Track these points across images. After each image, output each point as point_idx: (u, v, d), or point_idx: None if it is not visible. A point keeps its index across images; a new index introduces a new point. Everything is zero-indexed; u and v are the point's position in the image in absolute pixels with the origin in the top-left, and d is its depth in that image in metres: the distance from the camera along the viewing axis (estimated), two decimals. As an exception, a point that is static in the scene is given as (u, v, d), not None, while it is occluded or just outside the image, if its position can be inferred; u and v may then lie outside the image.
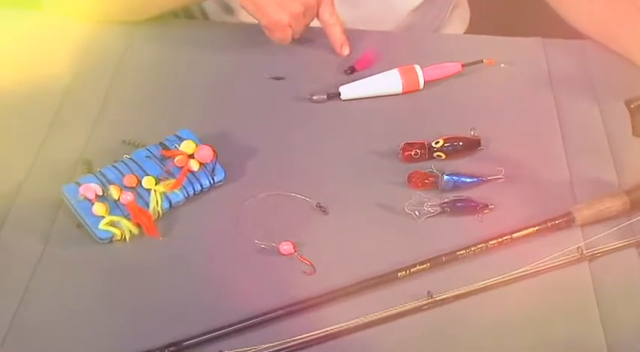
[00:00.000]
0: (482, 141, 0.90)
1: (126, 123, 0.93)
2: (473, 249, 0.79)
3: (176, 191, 0.83)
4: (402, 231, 0.83)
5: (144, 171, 0.84)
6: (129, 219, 0.81)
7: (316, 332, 0.73)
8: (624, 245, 0.81)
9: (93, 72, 0.99)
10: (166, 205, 0.83)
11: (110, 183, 0.82)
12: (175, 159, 0.84)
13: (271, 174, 0.88)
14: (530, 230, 0.81)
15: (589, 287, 0.78)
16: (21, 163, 0.88)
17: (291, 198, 0.85)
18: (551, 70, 1.01)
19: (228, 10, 1.12)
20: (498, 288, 0.77)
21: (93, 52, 1.02)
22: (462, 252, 0.79)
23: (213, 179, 0.85)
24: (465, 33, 1.26)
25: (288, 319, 0.75)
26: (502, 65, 1.00)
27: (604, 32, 1.03)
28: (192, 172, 0.84)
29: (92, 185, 0.81)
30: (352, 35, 1.02)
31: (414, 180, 0.86)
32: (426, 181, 0.86)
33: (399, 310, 0.75)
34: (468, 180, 0.85)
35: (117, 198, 0.81)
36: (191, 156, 0.85)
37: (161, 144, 0.86)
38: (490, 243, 0.80)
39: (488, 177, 0.86)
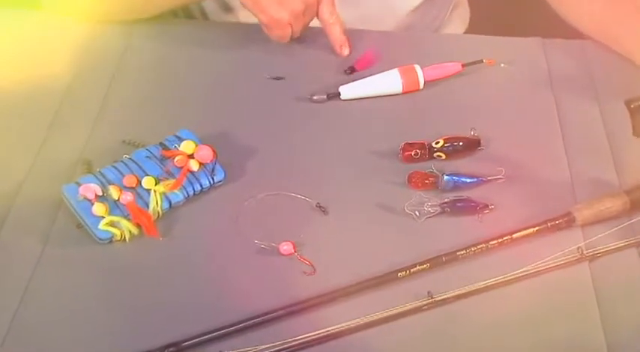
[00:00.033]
0: (482, 141, 0.90)
1: (126, 123, 0.93)
2: (473, 249, 0.79)
3: (176, 191, 0.83)
4: (402, 231, 0.83)
5: (144, 172, 0.84)
6: (129, 220, 0.81)
7: (316, 333, 0.73)
8: (624, 245, 0.81)
9: (93, 72, 0.99)
10: (166, 205, 0.83)
11: (110, 184, 0.82)
12: (175, 160, 0.84)
13: (271, 174, 0.88)
14: (531, 230, 0.81)
15: (589, 287, 0.78)
16: (21, 163, 0.88)
17: (291, 198, 0.85)
18: (551, 70, 1.01)
19: (228, 9, 1.12)
20: (498, 288, 0.77)
21: (93, 52, 1.02)
22: (462, 252, 0.79)
23: (213, 179, 0.85)
24: (465, 33, 1.26)
25: (288, 319, 0.75)
26: (502, 65, 1.00)
27: (604, 32, 1.02)
28: (192, 172, 0.84)
29: (92, 185, 0.81)
30: (352, 35, 1.02)
31: (414, 180, 0.86)
32: (426, 181, 0.86)
33: (399, 310, 0.75)
34: (468, 180, 0.85)
35: (117, 199, 0.81)
36: (191, 156, 0.85)
37: (161, 144, 0.86)
38: (490, 243, 0.79)
39: (489, 178, 0.86)
